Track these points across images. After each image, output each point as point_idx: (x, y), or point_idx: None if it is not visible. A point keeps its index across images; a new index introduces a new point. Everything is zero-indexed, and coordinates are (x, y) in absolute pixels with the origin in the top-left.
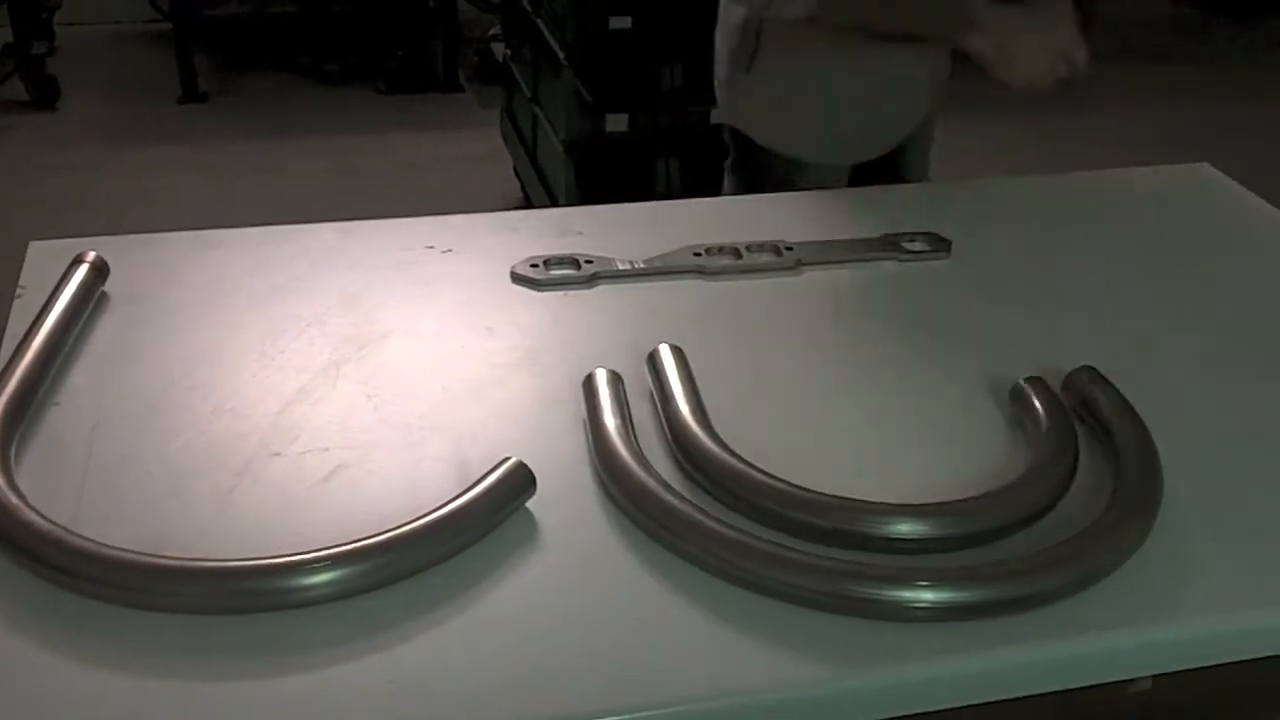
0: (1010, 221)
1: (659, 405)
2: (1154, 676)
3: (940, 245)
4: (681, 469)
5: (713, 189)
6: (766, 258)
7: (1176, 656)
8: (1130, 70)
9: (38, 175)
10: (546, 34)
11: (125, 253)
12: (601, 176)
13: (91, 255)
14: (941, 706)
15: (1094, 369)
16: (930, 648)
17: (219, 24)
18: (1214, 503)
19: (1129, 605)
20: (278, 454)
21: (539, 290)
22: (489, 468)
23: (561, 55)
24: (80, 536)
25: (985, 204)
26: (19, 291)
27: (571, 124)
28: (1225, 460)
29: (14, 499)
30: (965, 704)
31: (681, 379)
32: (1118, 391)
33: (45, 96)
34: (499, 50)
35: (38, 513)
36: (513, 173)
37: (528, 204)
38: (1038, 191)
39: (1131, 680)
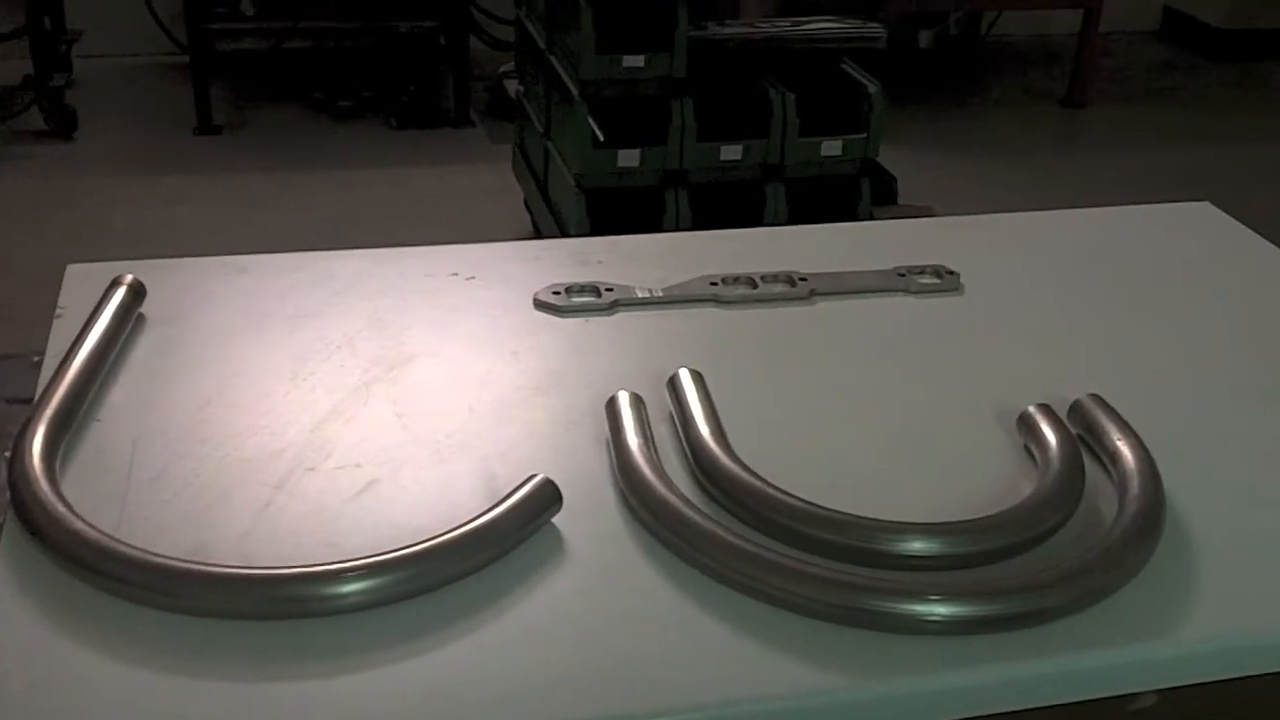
0: (1018, 256)
1: (679, 426)
2: (1159, 691)
3: (950, 277)
4: (701, 487)
5: (720, 223)
6: (781, 288)
7: (1180, 672)
8: (1124, 111)
9: (56, 204)
10: (560, 71)
11: (159, 276)
12: (613, 211)
13: (129, 278)
14: (951, 717)
15: (1099, 397)
16: (941, 660)
17: (235, 58)
18: (1216, 523)
19: (1134, 622)
20: (312, 469)
21: (561, 316)
22: (516, 484)
23: (575, 92)
24: (127, 544)
25: (993, 238)
26: (58, 312)
27: (584, 159)
28: (1227, 483)
29: (62, 508)
30: (975, 714)
31: (701, 401)
32: (1122, 418)
33: (63, 127)
34: (511, 86)
35: (85, 521)
36: (523, 206)
37: (538, 236)
38: (1044, 227)
39: (1136, 695)
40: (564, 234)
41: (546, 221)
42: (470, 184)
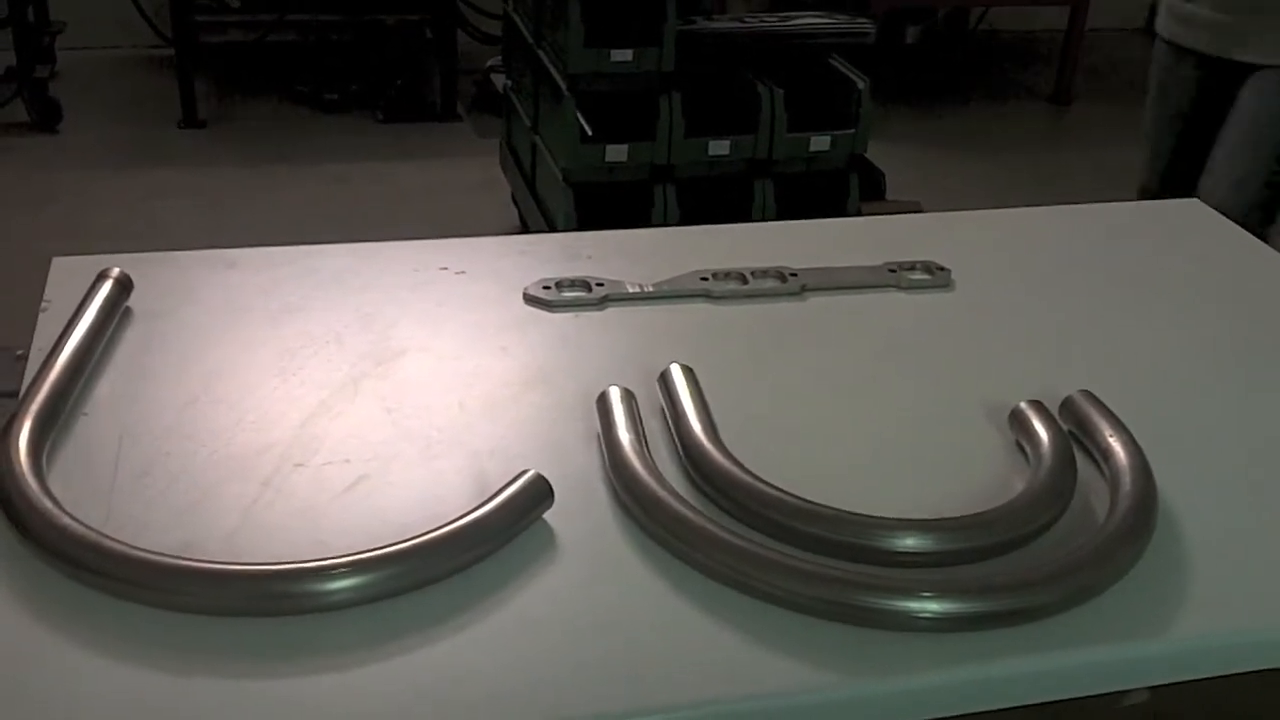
0: (1008, 252)
1: (671, 421)
2: (1151, 688)
3: (940, 274)
4: (693, 482)
5: (708, 218)
6: (771, 283)
7: (1170, 669)
8: (1110, 107)
9: (38, 197)
10: (548, 65)
11: (146, 269)
12: (600, 205)
13: (116, 271)
14: (944, 714)
15: (1091, 393)
16: (933, 657)
17: (220, 50)
18: (1207, 520)
19: (1125, 619)
20: (300, 465)
21: (551, 311)
22: (507, 480)
23: (563, 86)
24: (114, 540)
25: (983, 235)
26: (44, 305)
27: (572, 154)
28: (1218, 479)
29: (48, 503)
30: (967, 712)
31: (693, 396)
32: (1114, 414)
33: (47, 119)
34: (498, 81)
35: (72, 517)
36: (510, 201)
37: (525, 231)
38: (1034, 223)
39: (1127, 691)
40: (551, 229)
41: (534, 216)
42: (457, 178)
